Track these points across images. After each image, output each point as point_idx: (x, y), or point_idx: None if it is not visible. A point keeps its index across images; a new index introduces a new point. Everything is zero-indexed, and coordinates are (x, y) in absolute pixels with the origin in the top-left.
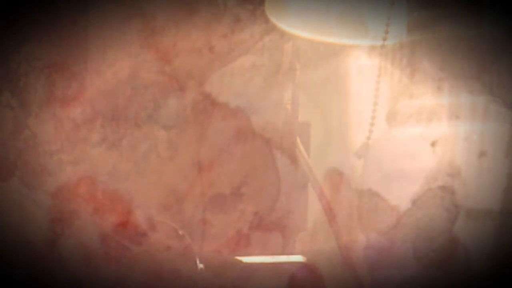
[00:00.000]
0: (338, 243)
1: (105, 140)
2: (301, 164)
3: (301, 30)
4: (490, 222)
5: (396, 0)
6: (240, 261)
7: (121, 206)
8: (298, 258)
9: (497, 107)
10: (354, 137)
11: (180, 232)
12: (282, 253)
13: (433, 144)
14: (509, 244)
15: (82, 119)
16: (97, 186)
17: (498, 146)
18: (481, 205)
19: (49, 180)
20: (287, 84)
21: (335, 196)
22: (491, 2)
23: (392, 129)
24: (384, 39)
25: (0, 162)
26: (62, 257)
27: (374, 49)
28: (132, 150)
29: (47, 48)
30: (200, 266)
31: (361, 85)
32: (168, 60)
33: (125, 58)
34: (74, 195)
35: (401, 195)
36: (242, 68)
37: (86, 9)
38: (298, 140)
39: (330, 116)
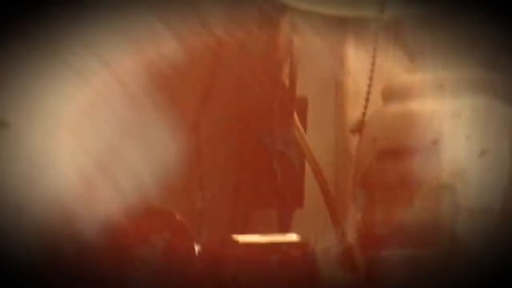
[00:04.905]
0: (334, 220)
1: None
2: (298, 140)
3: (299, 2)
4: (491, 220)
5: None
6: (237, 240)
7: None
8: (292, 236)
9: (499, 105)
10: (350, 112)
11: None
12: (278, 231)
13: (434, 142)
14: (509, 242)
15: None
16: None
17: (500, 144)
18: (482, 204)
19: None
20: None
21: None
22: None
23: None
24: (381, 12)
25: None
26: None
27: (371, 22)
28: None
29: None
30: (197, 248)
31: (358, 59)
32: None
33: None
34: None
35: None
36: None
37: None
38: (295, 115)
39: (327, 91)
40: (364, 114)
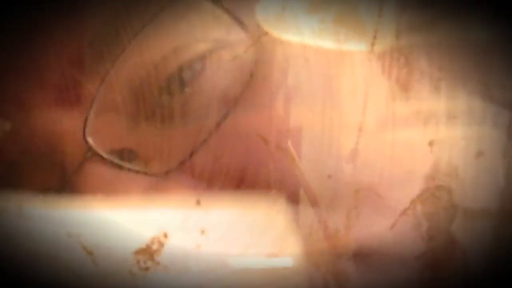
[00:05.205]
0: (330, 249)
1: None
2: (293, 168)
3: (292, 35)
4: (489, 221)
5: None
6: (230, 263)
7: None
8: (288, 261)
9: (494, 107)
10: (344, 141)
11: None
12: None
13: (430, 144)
14: (506, 243)
15: None
16: None
17: (496, 146)
18: (480, 204)
19: None
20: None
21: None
22: (487, 2)
23: (383, 133)
24: (373, 44)
25: None
26: None
27: (365, 54)
28: None
29: None
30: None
31: (352, 89)
32: None
33: None
34: None
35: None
36: None
37: None
38: (290, 144)
39: (321, 120)
40: (357, 143)
